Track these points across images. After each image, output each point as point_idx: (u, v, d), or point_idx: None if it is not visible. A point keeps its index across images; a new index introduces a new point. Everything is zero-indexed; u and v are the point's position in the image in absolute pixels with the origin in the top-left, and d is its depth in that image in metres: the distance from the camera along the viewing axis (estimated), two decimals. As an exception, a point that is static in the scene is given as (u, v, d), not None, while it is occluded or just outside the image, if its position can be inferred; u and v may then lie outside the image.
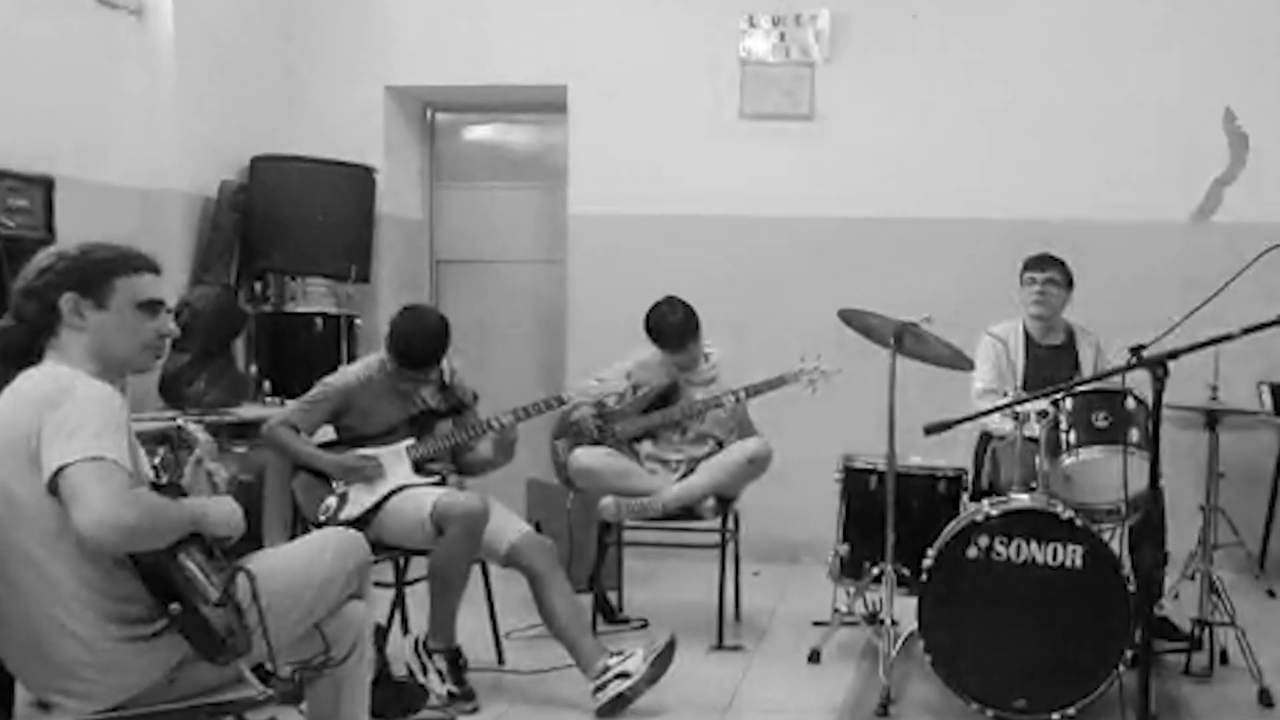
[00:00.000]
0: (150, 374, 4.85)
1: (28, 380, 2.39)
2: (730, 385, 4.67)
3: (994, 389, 4.62)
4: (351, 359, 5.41)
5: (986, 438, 4.70)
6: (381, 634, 3.84)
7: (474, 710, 3.82)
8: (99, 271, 2.46)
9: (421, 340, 4.12)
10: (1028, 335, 4.76)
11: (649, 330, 4.71)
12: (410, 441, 4.12)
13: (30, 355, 2.44)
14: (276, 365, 5.67)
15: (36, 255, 2.51)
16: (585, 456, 4.63)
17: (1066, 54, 5.93)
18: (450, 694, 3.80)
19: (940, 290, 5.35)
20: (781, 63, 6.13)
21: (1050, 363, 4.70)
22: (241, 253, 5.76)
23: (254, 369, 5.62)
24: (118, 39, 5.24)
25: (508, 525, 3.99)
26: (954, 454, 4.55)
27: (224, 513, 2.51)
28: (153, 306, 2.51)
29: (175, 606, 2.29)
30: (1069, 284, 4.72)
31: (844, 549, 4.38)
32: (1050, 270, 4.69)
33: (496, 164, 6.95)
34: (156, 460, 2.59)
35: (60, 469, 2.21)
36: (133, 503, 2.21)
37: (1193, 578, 4.32)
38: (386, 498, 3.99)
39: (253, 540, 2.69)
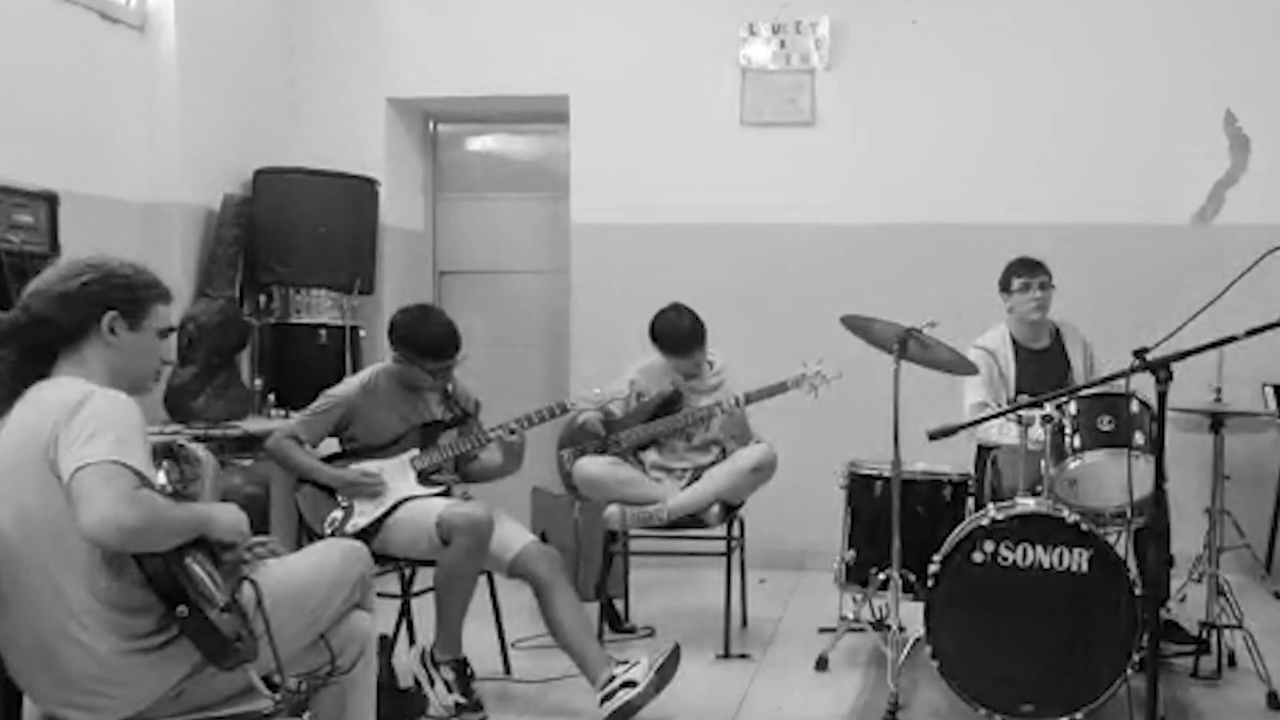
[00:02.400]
0: (154, 387, 4.89)
1: (42, 394, 2.41)
2: (735, 392, 4.67)
3: (987, 403, 4.59)
4: (356, 370, 5.41)
5: (983, 451, 4.66)
6: (388, 645, 3.84)
7: (481, 720, 3.82)
8: (142, 296, 2.53)
9: (432, 327, 4.11)
10: (1015, 343, 4.74)
11: (654, 336, 4.72)
12: (414, 452, 4.12)
13: (45, 360, 2.46)
14: (281, 377, 5.69)
15: (68, 263, 2.55)
16: (590, 465, 4.63)
17: (1066, 58, 5.94)
18: (457, 704, 3.80)
19: (943, 295, 5.33)
20: (782, 70, 6.14)
21: (1041, 367, 4.67)
22: (245, 265, 5.78)
23: (259, 381, 5.63)
24: (120, 54, 5.26)
25: (513, 535, 3.99)
26: (958, 459, 4.55)
27: (230, 518, 2.52)
28: (167, 334, 2.62)
29: (182, 609, 2.30)
30: (1052, 284, 4.72)
31: (850, 555, 4.38)
32: (1042, 274, 4.68)
33: (499, 174, 6.97)
34: (161, 475, 2.60)
35: (76, 471, 2.23)
36: (135, 503, 2.22)
37: (1199, 580, 4.32)
38: (392, 509, 4.00)
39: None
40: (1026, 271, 4.68)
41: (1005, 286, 4.73)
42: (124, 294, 2.50)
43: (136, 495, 2.23)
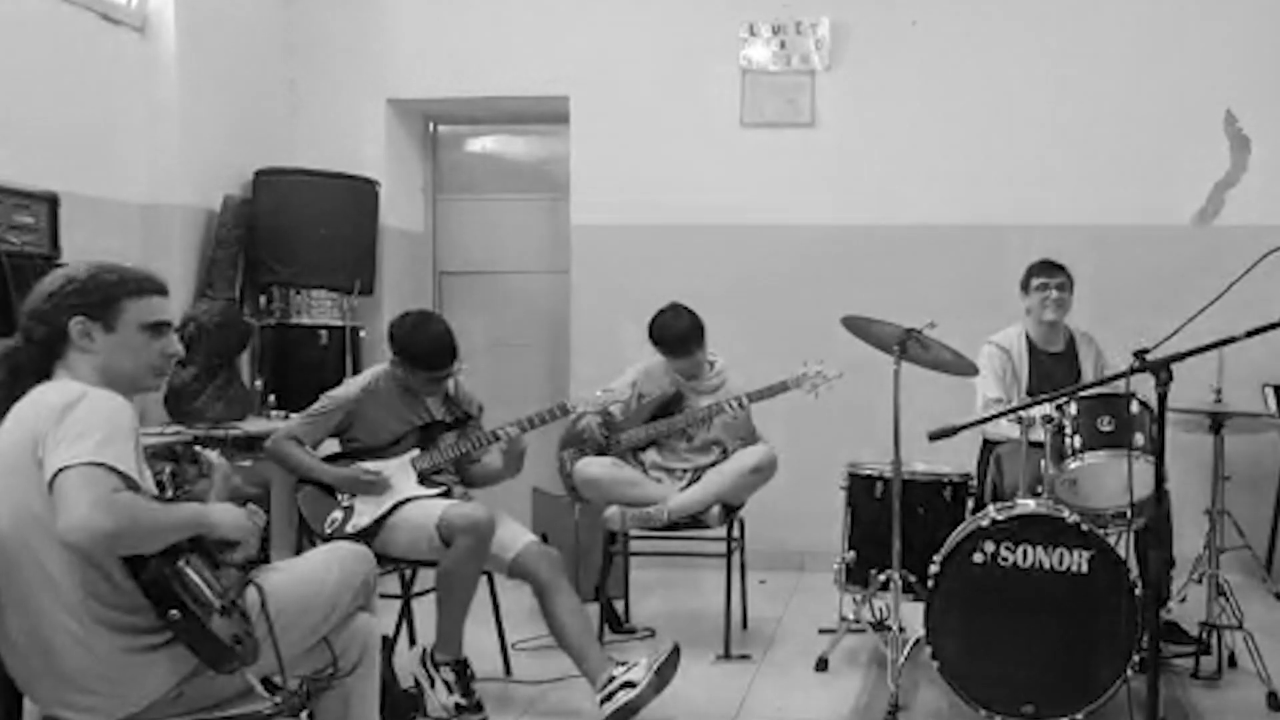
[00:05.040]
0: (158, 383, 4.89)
1: (39, 393, 2.40)
2: (737, 392, 4.67)
3: (1000, 399, 4.61)
4: (356, 371, 5.42)
5: (988, 446, 4.70)
6: (388, 646, 3.84)
7: (481, 721, 3.82)
8: (106, 295, 2.47)
9: (428, 336, 4.11)
10: (1030, 343, 4.76)
11: (653, 337, 4.72)
12: (415, 453, 4.12)
13: (39, 374, 2.46)
14: (282, 378, 5.69)
15: (46, 277, 2.53)
16: (590, 466, 4.63)
17: (1066, 58, 5.94)
18: (458, 705, 3.80)
19: (943, 296, 5.35)
20: (782, 71, 6.14)
21: (1054, 370, 4.71)
22: (245, 266, 5.78)
23: (259, 382, 5.63)
24: (121, 55, 5.26)
25: (513, 536, 3.99)
26: (959, 459, 4.55)
27: (231, 517, 2.51)
28: (158, 328, 2.53)
29: (174, 613, 2.28)
30: (1072, 288, 4.75)
31: (850, 556, 4.38)
32: (1061, 275, 4.73)
33: (499, 175, 6.97)
34: (164, 475, 2.60)
35: (58, 472, 2.21)
36: (111, 507, 2.18)
37: (1200, 581, 4.32)
38: (393, 510, 3.99)
39: (259, 553, 2.69)
40: (1045, 272, 4.74)
41: (1024, 286, 4.78)
42: (83, 298, 2.45)
43: (114, 499, 2.20)
